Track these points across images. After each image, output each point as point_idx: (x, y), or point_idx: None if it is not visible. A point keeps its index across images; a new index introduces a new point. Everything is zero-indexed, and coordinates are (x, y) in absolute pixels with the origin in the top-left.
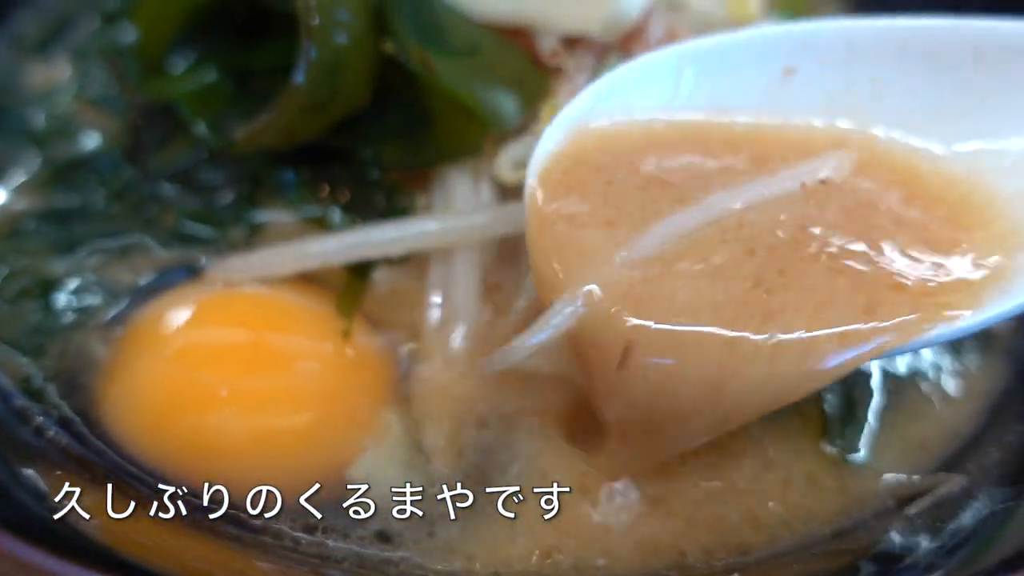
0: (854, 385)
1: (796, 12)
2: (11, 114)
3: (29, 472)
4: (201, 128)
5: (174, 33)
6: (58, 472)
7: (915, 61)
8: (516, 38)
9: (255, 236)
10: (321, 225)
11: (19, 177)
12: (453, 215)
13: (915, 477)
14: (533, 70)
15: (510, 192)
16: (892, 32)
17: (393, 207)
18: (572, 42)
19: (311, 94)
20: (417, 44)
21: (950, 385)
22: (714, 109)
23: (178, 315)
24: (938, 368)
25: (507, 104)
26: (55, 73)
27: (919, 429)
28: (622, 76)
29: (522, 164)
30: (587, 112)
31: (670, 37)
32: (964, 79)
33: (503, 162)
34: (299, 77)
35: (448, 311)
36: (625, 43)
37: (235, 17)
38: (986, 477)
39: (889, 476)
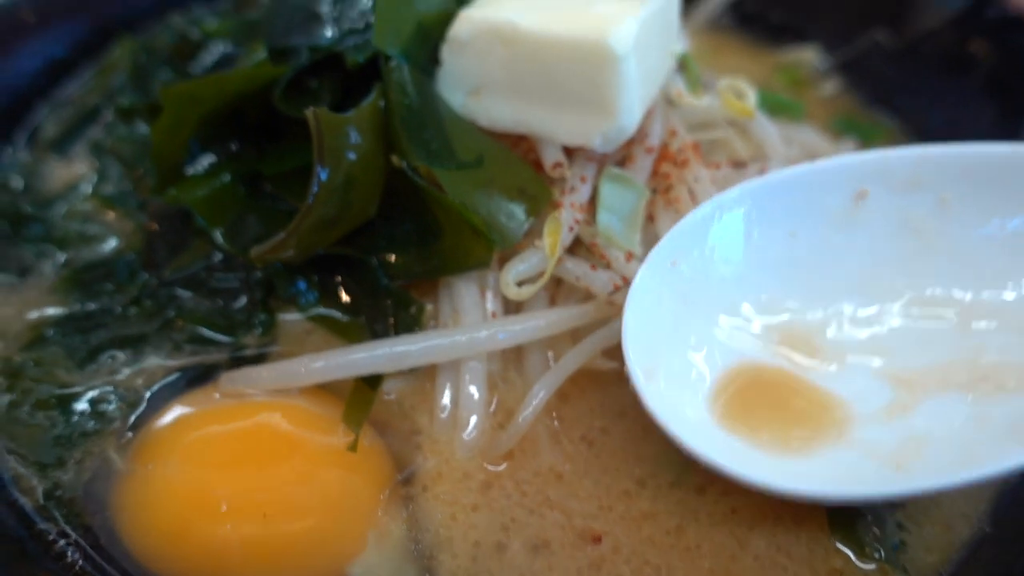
0: None
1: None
2: (30, 219)
3: None
4: (217, 235)
5: (189, 140)
6: None
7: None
8: (520, 144)
9: (268, 340)
10: (332, 329)
11: (38, 282)
12: (461, 330)
13: None
14: (536, 180)
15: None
16: (959, 157)
17: (401, 313)
18: (573, 150)
19: (323, 212)
20: (423, 160)
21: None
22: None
23: (189, 427)
24: None
25: (511, 222)
26: (73, 171)
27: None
28: (701, 218)
29: (527, 280)
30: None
31: (670, 137)
32: None
33: (508, 279)
34: (311, 199)
35: (455, 415)
36: (626, 146)
37: (247, 121)
38: None
39: None
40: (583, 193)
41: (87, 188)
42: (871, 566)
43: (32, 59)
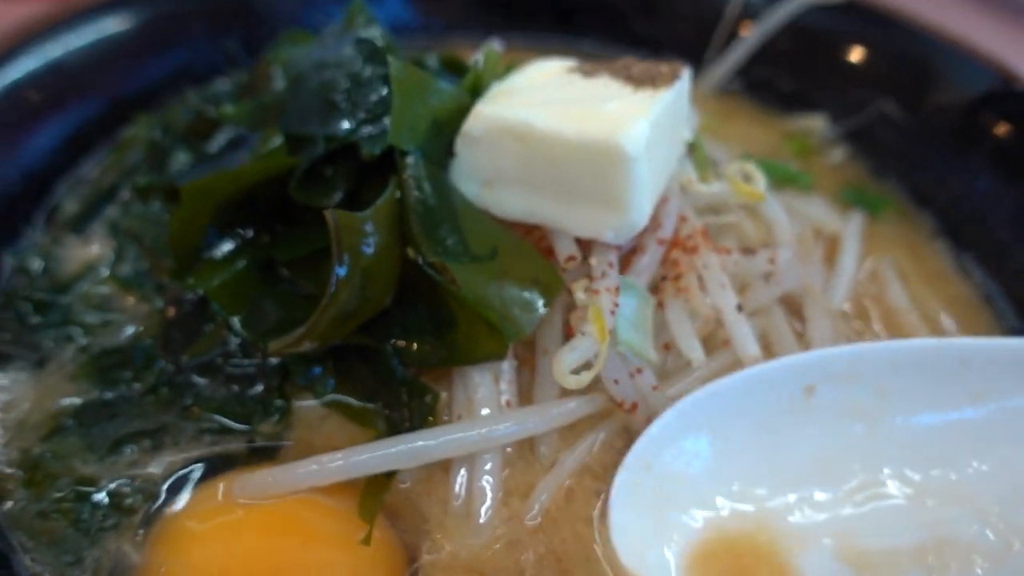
0: None
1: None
2: (48, 304)
3: None
4: (235, 322)
5: (205, 226)
6: None
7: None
8: (533, 232)
9: (284, 426)
10: (346, 415)
11: (57, 369)
12: (478, 424)
13: None
14: (549, 269)
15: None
16: (888, 352)
17: (415, 401)
18: (588, 241)
19: (341, 307)
20: (438, 255)
21: None
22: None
23: (205, 521)
24: None
25: (525, 313)
26: (91, 251)
27: None
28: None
29: (584, 367)
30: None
31: (680, 223)
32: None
33: (564, 369)
34: (329, 297)
35: (468, 505)
36: (639, 236)
37: (262, 206)
38: None
39: None
40: (613, 278)
41: (104, 270)
42: None
43: (49, 138)
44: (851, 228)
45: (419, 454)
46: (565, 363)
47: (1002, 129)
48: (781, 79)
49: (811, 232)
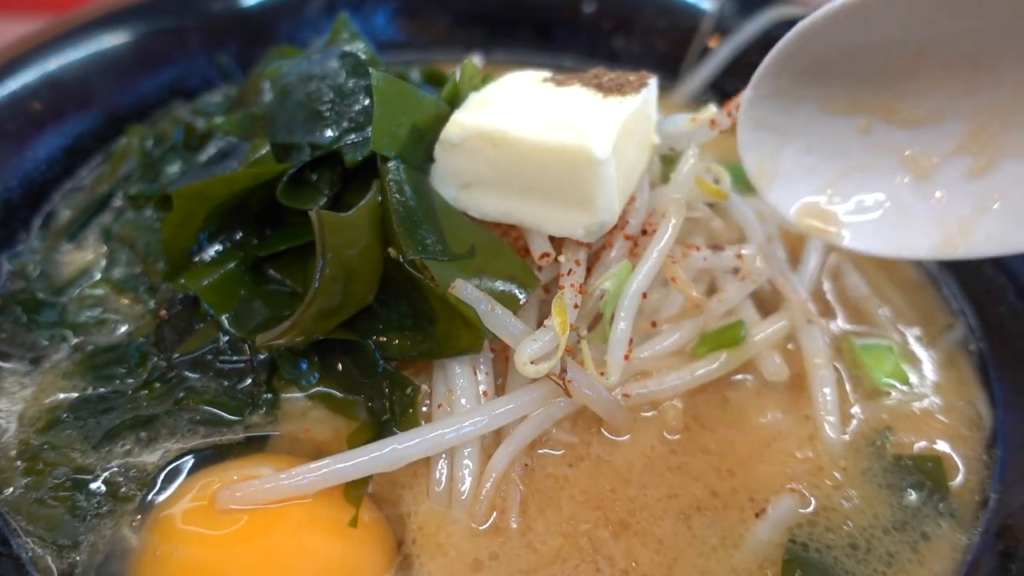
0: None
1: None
2: (44, 304)
3: None
4: (224, 320)
5: (197, 231)
6: None
7: None
8: (509, 233)
9: (271, 418)
10: (330, 407)
11: (52, 367)
12: (457, 420)
13: None
14: (524, 268)
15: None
16: None
17: (397, 393)
18: (561, 239)
19: (325, 303)
20: (418, 253)
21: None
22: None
23: (198, 507)
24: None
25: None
26: (85, 257)
27: None
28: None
29: (542, 358)
30: None
31: (649, 226)
32: None
33: (524, 359)
34: (313, 292)
35: (450, 488)
36: (608, 233)
37: (250, 211)
38: None
39: None
40: (579, 275)
41: (98, 274)
42: None
43: (46, 147)
44: None
45: (399, 458)
46: (525, 353)
47: None
48: None
49: (778, 232)
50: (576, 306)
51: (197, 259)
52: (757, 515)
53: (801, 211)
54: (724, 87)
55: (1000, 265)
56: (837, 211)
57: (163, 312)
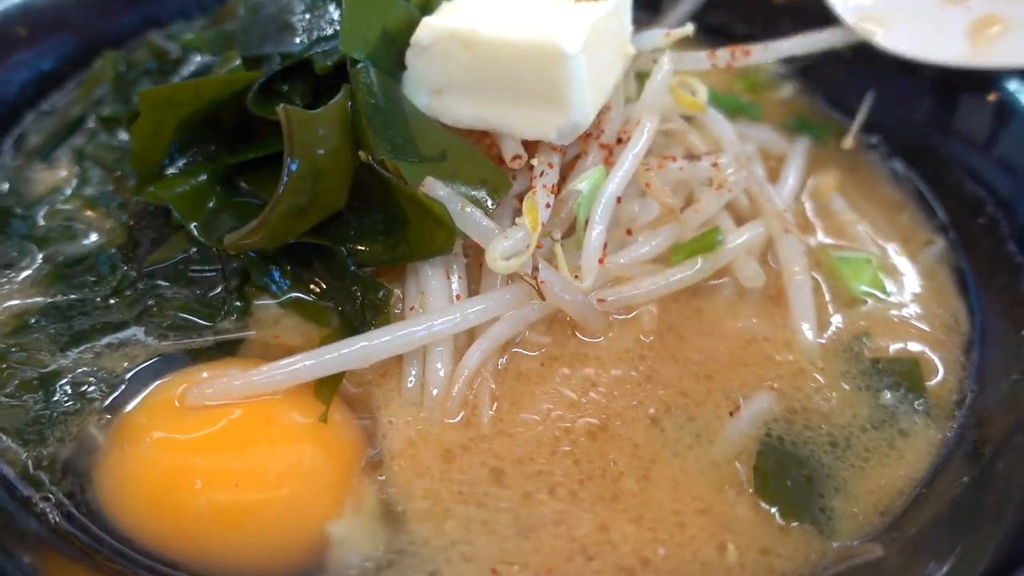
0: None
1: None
2: (15, 216)
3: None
4: (193, 228)
5: (168, 143)
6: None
7: None
8: (482, 141)
9: (243, 325)
10: (303, 314)
11: (22, 276)
12: (427, 319)
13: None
14: (496, 171)
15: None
16: None
17: (369, 298)
18: (534, 143)
19: (293, 202)
20: (388, 154)
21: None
22: None
23: (165, 406)
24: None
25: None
26: (57, 175)
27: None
28: None
29: (513, 255)
30: None
31: (624, 134)
32: None
33: (495, 255)
34: (282, 188)
35: (421, 385)
36: (583, 140)
37: (223, 125)
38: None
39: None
40: (552, 176)
41: (69, 191)
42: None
43: (21, 71)
44: (796, 148)
45: (370, 354)
46: (497, 250)
47: None
48: (735, 24)
49: (756, 152)
50: (548, 205)
51: (168, 173)
52: (731, 413)
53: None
54: (707, 20)
55: (979, 178)
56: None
57: (133, 224)
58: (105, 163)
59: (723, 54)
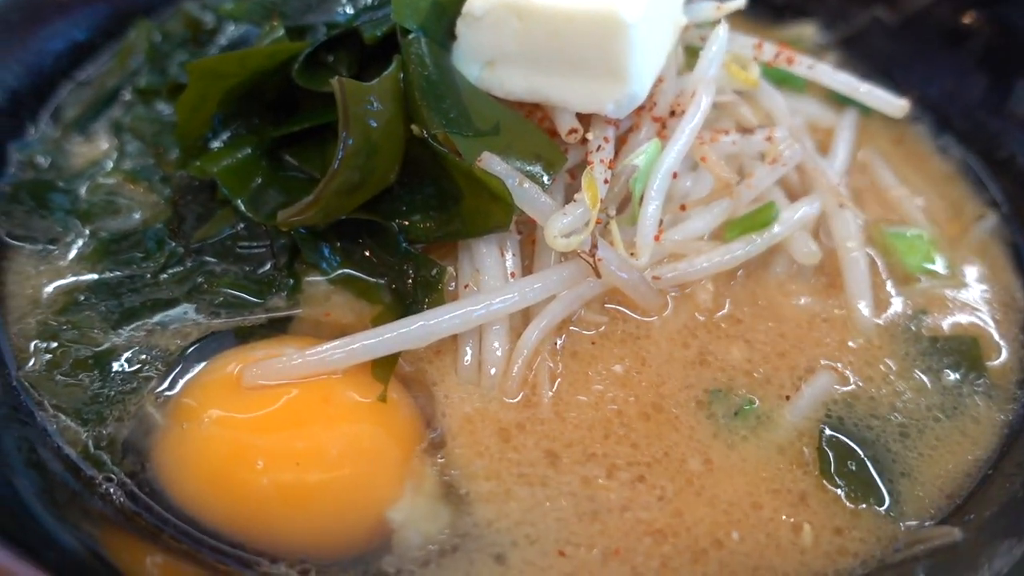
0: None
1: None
2: (57, 191)
3: (96, 534)
4: (240, 204)
5: (211, 115)
6: (123, 536)
7: None
8: (534, 113)
9: (293, 303)
10: (354, 291)
11: (67, 252)
12: (484, 297)
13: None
14: (551, 145)
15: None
16: None
17: (421, 275)
18: (587, 117)
19: (347, 177)
20: (442, 128)
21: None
22: None
23: (223, 385)
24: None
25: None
26: (96, 149)
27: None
28: None
29: (573, 232)
30: None
31: (677, 107)
32: None
33: (555, 232)
34: (337, 164)
35: (478, 364)
36: (636, 114)
37: (266, 96)
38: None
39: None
40: (608, 151)
41: (110, 164)
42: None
43: (55, 41)
44: (845, 121)
45: (429, 333)
46: (556, 227)
47: (985, 26)
48: None
49: (805, 126)
50: (606, 181)
51: (212, 146)
52: (787, 398)
53: None
54: None
55: None
56: None
57: (178, 199)
58: (144, 136)
59: (769, 49)
